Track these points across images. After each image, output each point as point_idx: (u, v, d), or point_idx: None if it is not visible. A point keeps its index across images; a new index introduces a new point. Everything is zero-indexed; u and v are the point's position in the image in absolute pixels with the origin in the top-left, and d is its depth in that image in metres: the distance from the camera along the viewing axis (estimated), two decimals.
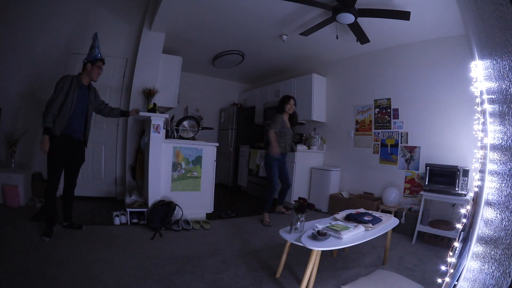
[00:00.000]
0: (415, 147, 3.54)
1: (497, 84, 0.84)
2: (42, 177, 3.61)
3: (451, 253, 1.21)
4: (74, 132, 2.61)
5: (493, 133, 0.95)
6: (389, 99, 3.83)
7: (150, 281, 1.81)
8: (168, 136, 3.34)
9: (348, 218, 2.13)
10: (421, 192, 3.03)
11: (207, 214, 3.39)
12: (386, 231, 2.09)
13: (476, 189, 1.32)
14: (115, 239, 2.50)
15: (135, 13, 3.93)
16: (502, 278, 0.60)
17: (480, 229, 0.97)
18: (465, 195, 2.80)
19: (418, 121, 3.53)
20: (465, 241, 1.16)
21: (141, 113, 3.15)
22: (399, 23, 2.93)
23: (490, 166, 0.97)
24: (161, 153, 3.14)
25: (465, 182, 2.81)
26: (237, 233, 2.95)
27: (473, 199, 1.33)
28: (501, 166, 0.79)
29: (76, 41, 3.80)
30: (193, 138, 3.46)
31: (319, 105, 4.64)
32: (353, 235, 1.83)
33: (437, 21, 3.00)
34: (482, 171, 1.20)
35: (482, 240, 0.89)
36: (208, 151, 3.38)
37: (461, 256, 1.12)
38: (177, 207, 3.01)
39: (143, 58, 3.84)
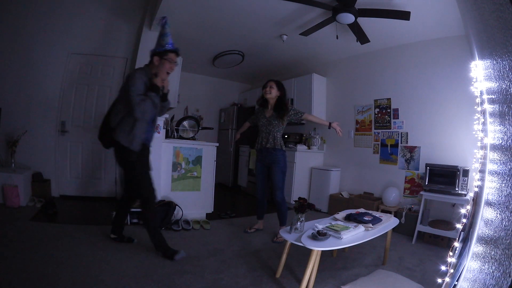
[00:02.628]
0: (415, 147, 3.54)
1: (497, 84, 0.84)
2: (42, 177, 3.61)
3: (451, 253, 1.21)
4: (148, 141, 2.29)
5: (493, 133, 0.95)
6: (389, 99, 3.83)
7: (150, 281, 1.81)
8: (168, 136, 3.34)
9: (348, 218, 2.13)
10: (421, 192, 3.02)
11: (207, 214, 3.39)
12: (386, 231, 2.09)
13: (476, 189, 1.32)
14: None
15: (135, 13, 3.93)
16: (502, 278, 0.60)
17: (480, 229, 0.97)
18: (465, 195, 2.80)
19: (418, 121, 3.53)
20: (465, 241, 1.16)
21: None
22: (399, 23, 2.93)
23: (490, 166, 0.96)
24: (161, 153, 3.13)
25: (465, 182, 2.81)
26: (237, 233, 2.94)
27: (473, 199, 1.33)
28: (501, 166, 0.79)
29: (76, 41, 3.80)
30: (193, 138, 3.46)
31: (319, 105, 4.64)
32: (353, 235, 1.83)
33: (437, 21, 3.00)
34: (482, 171, 1.20)
35: (482, 240, 0.89)
36: (208, 151, 3.38)
37: (461, 256, 1.12)
38: (177, 207, 3.01)
39: (143, 58, 3.83)
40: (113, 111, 2.20)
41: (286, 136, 4.95)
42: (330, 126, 2.97)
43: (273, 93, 2.84)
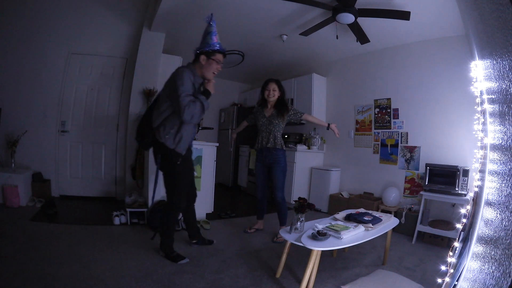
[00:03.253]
0: (415, 147, 3.54)
1: (497, 84, 0.84)
2: (42, 177, 3.62)
3: (451, 253, 1.21)
4: (191, 143, 2.27)
5: (493, 133, 0.95)
6: (389, 99, 3.83)
7: (150, 281, 1.81)
8: None
9: (348, 218, 2.13)
10: (421, 192, 3.02)
11: (207, 214, 3.39)
12: (386, 231, 2.09)
13: (476, 189, 1.32)
14: (115, 239, 2.50)
15: (135, 13, 3.93)
16: (502, 278, 0.60)
17: (480, 229, 0.97)
18: (465, 195, 2.80)
19: (418, 121, 3.52)
20: (465, 241, 1.16)
21: (141, 113, 3.15)
22: (399, 23, 2.93)
23: (490, 166, 0.96)
24: None
25: (465, 182, 2.81)
26: (237, 233, 2.94)
27: (473, 199, 1.33)
28: (501, 166, 0.79)
29: (76, 41, 3.80)
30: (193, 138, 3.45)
31: (319, 105, 4.64)
32: (353, 235, 1.83)
33: (437, 21, 3.00)
34: (482, 171, 1.20)
35: (482, 240, 0.89)
36: (208, 151, 3.38)
37: (461, 256, 1.12)
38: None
39: (143, 58, 3.84)
40: (155, 110, 2.10)
41: (286, 136, 4.95)
42: (328, 127, 2.98)
43: (275, 95, 2.82)
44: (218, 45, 2.07)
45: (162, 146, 2.05)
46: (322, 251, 1.70)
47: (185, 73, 2.00)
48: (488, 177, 0.97)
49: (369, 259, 2.43)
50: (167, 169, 2.15)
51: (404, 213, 3.19)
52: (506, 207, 0.68)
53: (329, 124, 2.98)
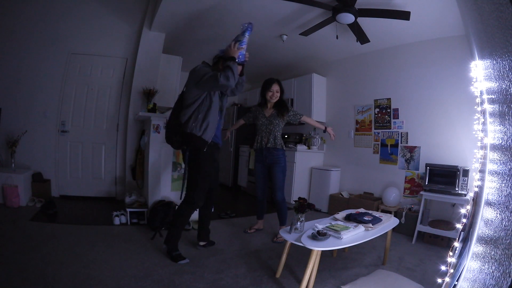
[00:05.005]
0: (415, 147, 3.54)
1: (497, 84, 0.84)
2: (42, 177, 3.62)
3: (451, 253, 1.21)
4: (218, 138, 2.33)
5: (493, 133, 0.95)
6: (389, 99, 3.83)
7: (150, 281, 1.81)
8: None
9: (348, 218, 2.13)
10: (421, 192, 3.02)
11: None
12: (386, 231, 2.09)
13: (476, 189, 1.32)
14: (115, 239, 2.50)
15: (135, 13, 3.93)
16: (502, 278, 0.60)
17: (480, 229, 0.97)
18: (465, 195, 2.80)
19: (418, 121, 3.53)
20: (465, 241, 1.16)
21: (141, 113, 3.15)
22: (399, 23, 2.93)
23: (490, 166, 0.96)
24: (161, 153, 3.13)
25: (465, 182, 2.81)
26: (237, 233, 2.94)
27: (473, 199, 1.33)
28: (501, 166, 0.79)
29: (76, 41, 3.80)
30: None
31: (319, 105, 4.64)
32: (353, 235, 1.83)
33: (437, 21, 3.00)
34: (482, 171, 1.20)
35: (482, 240, 0.89)
36: None
37: (461, 256, 1.12)
38: (177, 207, 3.00)
39: (143, 58, 3.84)
40: (181, 110, 2.20)
41: (286, 136, 4.95)
42: (325, 130, 3.03)
43: (278, 97, 2.83)
44: (241, 58, 2.13)
45: (190, 136, 2.13)
46: (322, 251, 1.70)
47: (201, 66, 2.20)
48: (488, 177, 0.97)
49: (369, 259, 2.43)
50: (192, 159, 2.20)
51: (404, 213, 3.19)
52: (506, 207, 0.67)
53: (326, 127, 3.03)
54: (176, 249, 2.20)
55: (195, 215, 3.27)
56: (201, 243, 2.47)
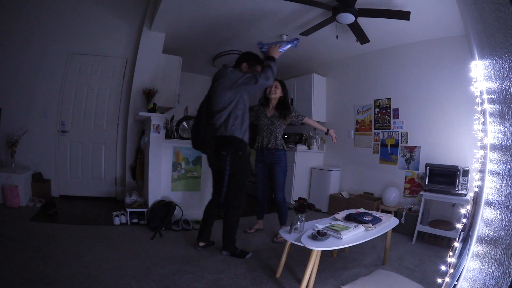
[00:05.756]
0: (415, 147, 3.54)
1: (497, 84, 0.84)
2: (42, 177, 3.61)
3: (451, 253, 1.21)
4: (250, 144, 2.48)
5: (493, 133, 0.95)
6: (389, 99, 3.83)
7: (150, 281, 1.81)
8: (168, 136, 3.33)
9: (348, 218, 2.13)
10: (421, 192, 3.03)
11: None
12: (386, 231, 2.09)
13: (476, 189, 1.32)
14: (115, 239, 2.50)
15: (135, 13, 3.93)
16: (502, 278, 0.60)
17: (480, 229, 0.97)
18: (465, 195, 2.80)
19: (418, 121, 3.53)
20: (465, 241, 1.16)
21: (141, 113, 3.15)
22: (399, 23, 2.93)
23: (490, 166, 0.96)
24: (161, 153, 3.13)
25: (465, 182, 2.81)
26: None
27: (473, 199, 1.33)
28: (501, 166, 0.79)
29: (76, 41, 3.80)
30: None
31: (319, 105, 4.64)
32: (353, 235, 1.83)
33: (437, 21, 3.00)
34: (482, 171, 1.20)
35: (482, 240, 0.89)
36: None
37: (461, 256, 1.12)
38: (177, 207, 3.01)
39: (143, 58, 3.84)
40: (210, 116, 2.19)
41: (286, 136, 4.95)
42: (327, 132, 3.00)
43: (277, 93, 2.82)
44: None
45: (230, 139, 2.16)
46: (322, 251, 1.70)
47: (232, 69, 2.26)
48: (488, 177, 0.97)
49: (369, 259, 2.43)
50: (235, 162, 2.18)
51: (404, 213, 3.19)
52: (506, 207, 0.68)
53: (328, 130, 3.01)
54: (236, 248, 2.32)
55: (196, 215, 3.30)
56: (201, 244, 2.44)
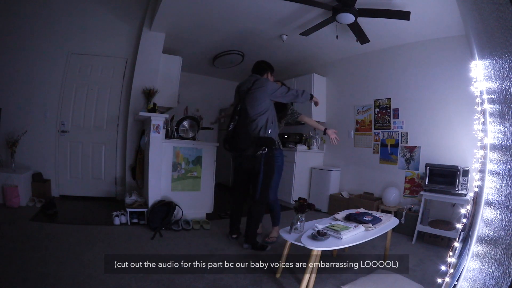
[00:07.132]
0: (415, 147, 3.54)
1: (497, 84, 0.84)
2: (42, 177, 3.61)
3: (451, 253, 1.21)
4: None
5: (493, 133, 0.95)
6: (389, 99, 3.83)
7: (150, 281, 1.81)
8: (168, 136, 3.34)
9: (348, 218, 2.12)
10: (421, 192, 3.02)
11: (207, 214, 3.39)
12: (386, 231, 2.09)
13: (476, 189, 1.31)
14: (115, 239, 2.50)
15: (135, 13, 3.93)
16: (502, 278, 0.60)
17: (480, 229, 0.97)
18: (465, 195, 2.80)
19: (418, 121, 3.52)
20: (465, 241, 1.16)
21: (141, 113, 3.15)
22: (399, 23, 2.93)
23: (490, 166, 0.96)
24: (161, 153, 3.13)
25: (465, 182, 2.81)
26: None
27: (473, 199, 1.33)
28: (501, 166, 0.79)
29: (76, 41, 3.80)
30: (193, 138, 3.45)
31: (319, 105, 4.61)
32: (353, 235, 1.83)
33: (437, 21, 3.00)
34: (482, 171, 1.20)
35: (482, 240, 0.89)
36: (208, 151, 3.38)
37: (461, 256, 1.12)
38: (177, 207, 3.01)
39: (143, 58, 3.84)
40: (250, 120, 2.44)
41: (286, 136, 4.95)
42: (325, 132, 2.91)
43: None
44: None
45: (267, 140, 2.41)
46: (322, 251, 1.70)
47: (269, 79, 2.67)
48: (488, 177, 0.97)
49: (369, 259, 2.42)
50: (269, 160, 2.43)
51: (404, 213, 3.19)
52: (506, 207, 0.68)
53: (325, 129, 2.91)
54: (257, 241, 2.53)
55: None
56: (234, 236, 2.69)
